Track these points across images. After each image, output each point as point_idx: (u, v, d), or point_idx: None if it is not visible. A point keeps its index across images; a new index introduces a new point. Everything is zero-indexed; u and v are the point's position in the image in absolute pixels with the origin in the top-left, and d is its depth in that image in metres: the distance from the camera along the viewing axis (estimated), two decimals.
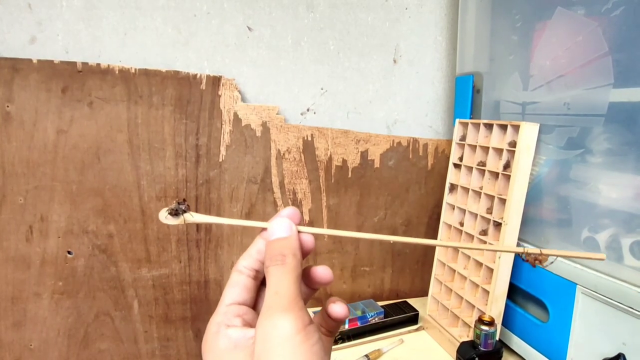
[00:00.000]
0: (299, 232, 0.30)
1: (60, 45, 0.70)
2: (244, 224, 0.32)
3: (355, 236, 0.33)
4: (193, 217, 0.31)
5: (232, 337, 0.27)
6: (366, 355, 0.70)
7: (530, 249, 0.30)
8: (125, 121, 0.72)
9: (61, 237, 0.73)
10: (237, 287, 0.30)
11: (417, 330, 0.80)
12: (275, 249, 0.28)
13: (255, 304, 0.31)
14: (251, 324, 0.28)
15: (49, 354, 0.77)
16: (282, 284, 0.26)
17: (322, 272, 0.31)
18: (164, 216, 0.30)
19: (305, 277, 0.31)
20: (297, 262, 0.28)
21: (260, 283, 0.31)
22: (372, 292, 0.93)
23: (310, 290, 0.32)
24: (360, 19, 0.82)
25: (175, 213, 0.30)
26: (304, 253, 0.30)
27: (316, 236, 0.31)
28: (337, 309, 0.29)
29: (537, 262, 0.30)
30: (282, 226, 0.29)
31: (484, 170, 0.68)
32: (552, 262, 0.29)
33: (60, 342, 0.77)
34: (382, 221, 0.90)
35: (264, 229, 0.31)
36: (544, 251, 0.30)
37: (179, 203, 0.30)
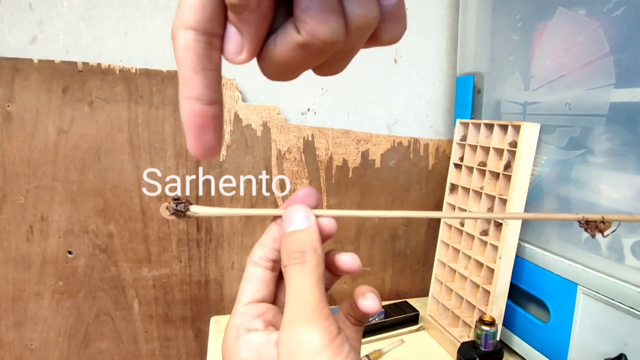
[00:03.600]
0: (317, 216, 0.26)
1: (61, 45, 0.70)
2: (253, 214, 0.29)
3: (377, 215, 0.31)
4: (197, 212, 0.28)
5: (254, 344, 0.24)
6: (367, 356, 0.70)
7: (590, 215, 0.25)
8: (126, 121, 0.72)
9: (62, 236, 0.73)
10: (254, 282, 0.27)
11: (417, 330, 0.80)
12: (293, 244, 0.25)
13: (275, 298, 0.28)
14: (274, 324, 0.26)
15: (50, 354, 0.77)
16: (304, 288, 0.23)
17: (347, 260, 0.27)
18: (167, 215, 0.28)
19: (328, 263, 0.28)
20: (319, 258, 0.24)
21: (279, 274, 0.28)
22: None
23: (333, 276, 0.29)
24: None
25: (177, 214, 0.28)
26: (324, 238, 0.26)
27: None
28: (369, 304, 0.26)
29: (597, 230, 0.25)
30: (298, 215, 0.25)
31: (485, 171, 0.68)
32: (613, 231, 0.25)
33: (61, 342, 0.77)
34: (383, 221, 0.90)
35: (278, 217, 0.27)
36: (607, 217, 0.25)
37: (176, 204, 0.28)
